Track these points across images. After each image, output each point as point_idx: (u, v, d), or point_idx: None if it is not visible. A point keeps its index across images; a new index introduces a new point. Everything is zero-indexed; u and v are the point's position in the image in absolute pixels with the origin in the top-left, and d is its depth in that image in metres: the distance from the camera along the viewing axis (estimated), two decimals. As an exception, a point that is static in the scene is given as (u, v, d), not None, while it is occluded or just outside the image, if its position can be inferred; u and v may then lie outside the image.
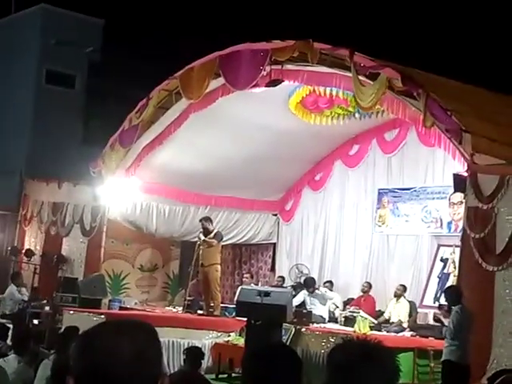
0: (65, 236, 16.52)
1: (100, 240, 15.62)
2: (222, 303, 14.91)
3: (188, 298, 14.98)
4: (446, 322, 9.83)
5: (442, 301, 11.64)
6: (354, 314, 13.34)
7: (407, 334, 13.10)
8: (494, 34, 20.65)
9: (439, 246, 14.68)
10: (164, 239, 16.74)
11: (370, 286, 14.80)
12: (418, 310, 14.12)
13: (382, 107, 12.12)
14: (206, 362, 12.41)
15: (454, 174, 10.63)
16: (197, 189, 16.43)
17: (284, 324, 11.83)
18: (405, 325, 13.56)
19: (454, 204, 13.79)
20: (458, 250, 11.32)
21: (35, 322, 14.27)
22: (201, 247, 14.54)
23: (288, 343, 11.11)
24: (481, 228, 9.90)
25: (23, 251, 17.14)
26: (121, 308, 14.84)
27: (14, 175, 19.00)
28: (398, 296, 13.97)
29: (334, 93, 13.21)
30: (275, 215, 17.97)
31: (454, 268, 12.80)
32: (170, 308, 15.93)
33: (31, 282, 14.97)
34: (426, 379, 11.61)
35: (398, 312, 13.80)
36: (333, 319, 14.08)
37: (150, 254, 16.74)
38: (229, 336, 13.46)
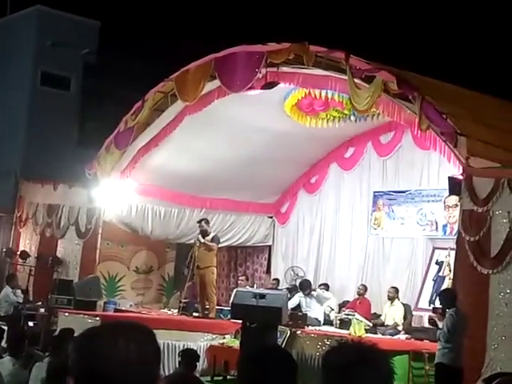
0: (60, 238, 16.50)
1: (95, 242, 15.60)
2: (217, 305, 14.91)
3: (183, 300, 14.99)
4: (440, 324, 9.84)
5: (437, 304, 11.64)
6: (350, 317, 13.34)
7: (402, 336, 13.11)
8: (490, 37, 20.69)
9: (434, 248, 14.70)
10: (159, 241, 16.73)
11: (365, 288, 14.81)
12: (413, 312, 14.13)
13: (377, 110, 12.13)
14: (202, 365, 12.41)
15: (449, 177, 10.64)
16: (192, 191, 16.43)
17: (279, 326, 11.83)
18: (400, 327, 13.58)
19: (449, 207, 13.82)
20: (453, 253, 11.32)
21: (30, 324, 14.25)
22: (197, 249, 14.53)
23: (283, 346, 11.11)
24: (476, 231, 9.91)
25: (18, 253, 17.12)
26: (116, 310, 14.83)
27: (9, 177, 18.97)
28: (391, 299, 13.99)
29: (329, 95, 13.23)
30: (271, 217, 17.97)
31: (449, 271, 12.83)
32: (165, 310, 15.92)
33: (26, 283, 14.95)
34: (420, 382, 11.62)
35: (392, 315, 13.82)
36: (328, 322, 14.08)
37: (145, 256, 16.73)
38: (224, 338, 13.46)
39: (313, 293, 14.47)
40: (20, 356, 7.93)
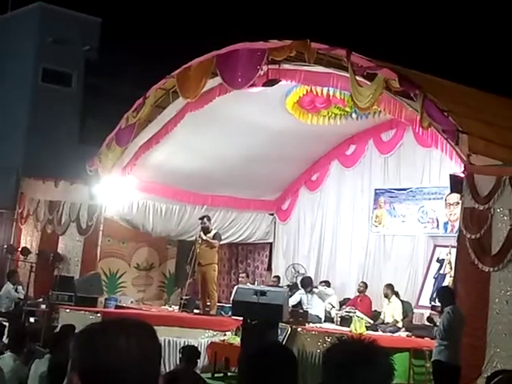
0: (61, 234, 16.51)
1: (96, 238, 15.62)
2: (218, 302, 14.92)
3: (184, 297, 15.00)
4: (438, 322, 9.88)
5: (437, 301, 11.65)
6: (350, 314, 13.36)
7: (403, 334, 13.12)
8: (491, 35, 20.68)
9: (435, 246, 14.70)
10: (160, 238, 16.74)
11: (365, 285, 14.82)
12: (414, 310, 14.13)
13: (378, 108, 12.12)
14: (202, 361, 12.42)
15: (451, 175, 10.64)
16: (193, 188, 16.43)
17: (280, 324, 11.83)
18: (399, 325, 13.58)
19: (451, 204, 13.82)
20: (454, 251, 11.33)
21: (31, 320, 14.26)
22: (199, 246, 14.52)
23: (284, 343, 11.12)
24: (477, 229, 9.92)
25: (19, 249, 17.12)
26: (117, 307, 14.83)
27: (11, 173, 18.98)
28: (386, 296, 14.00)
29: (331, 93, 13.22)
30: (272, 215, 17.98)
31: (450, 269, 12.84)
32: (166, 307, 15.93)
33: (27, 280, 14.97)
34: (421, 379, 11.63)
35: (390, 312, 13.82)
36: (329, 319, 14.08)
37: (146, 252, 16.74)
38: (225, 335, 13.47)
39: (314, 290, 14.48)
40: (21, 352, 7.94)
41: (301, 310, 13.46)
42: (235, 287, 13.69)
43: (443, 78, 12.55)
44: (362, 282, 15.04)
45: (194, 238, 15.20)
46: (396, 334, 13.08)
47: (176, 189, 16.26)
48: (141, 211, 16.01)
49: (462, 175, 10.26)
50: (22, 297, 15.09)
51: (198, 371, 9.93)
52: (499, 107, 12.40)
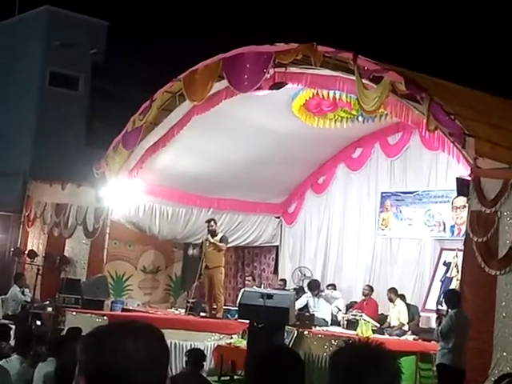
0: (68, 237, 16.54)
1: (103, 241, 15.63)
2: (224, 305, 14.92)
3: (190, 300, 15.00)
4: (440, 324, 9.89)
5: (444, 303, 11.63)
6: (357, 318, 13.34)
7: (410, 337, 13.09)
8: (498, 38, 20.65)
9: (442, 249, 14.67)
10: (167, 241, 16.76)
11: (371, 289, 14.78)
12: (421, 313, 14.11)
13: (385, 111, 12.11)
14: (208, 364, 12.43)
15: (457, 178, 10.62)
16: (200, 191, 16.45)
17: (286, 327, 11.83)
18: (405, 328, 13.55)
19: (457, 208, 13.79)
20: (460, 254, 11.30)
21: (38, 323, 14.29)
22: (206, 249, 14.51)
23: (290, 346, 11.10)
24: (484, 232, 9.90)
25: (26, 252, 17.16)
26: (123, 309, 14.84)
27: (18, 176, 19.03)
28: (391, 300, 13.98)
29: (337, 96, 13.23)
30: (278, 218, 17.97)
31: (457, 272, 12.80)
32: (173, 310, 15.94)
33: (34, 283, 15.00)
34: (428, 383, 11.61)
35: (396, 315, 13.79)
36: (335, 322, 14.06)
37: (152, 255, 16.77)
38: (231, 338, 13.47)
39: (321, 293, 14.46)
40: (27, 355, 7.95)
41: (307, 314, 13.45)
42: (241, 290, 13.68)
43: (450, 81, 12.53)
44: (367, 285, 15.01)
45: (200, 241, 15.22)
46: (402, 338, 13.05)
47: (182, 192, 16.28)
48: (147, 214, 16.02)
49: (469, 178, 10.24)
50: (29, 299, 15.12)
51: (205, 374, 9.93)
52: (506, 110, 12.37)
